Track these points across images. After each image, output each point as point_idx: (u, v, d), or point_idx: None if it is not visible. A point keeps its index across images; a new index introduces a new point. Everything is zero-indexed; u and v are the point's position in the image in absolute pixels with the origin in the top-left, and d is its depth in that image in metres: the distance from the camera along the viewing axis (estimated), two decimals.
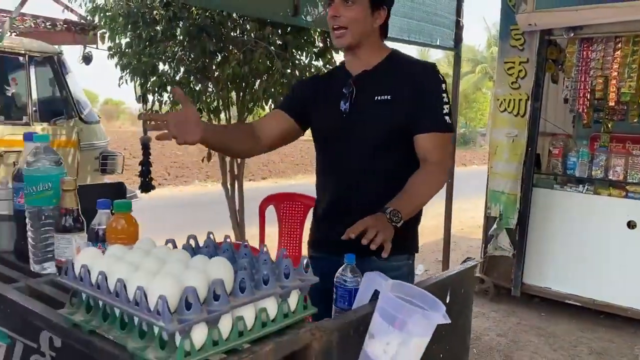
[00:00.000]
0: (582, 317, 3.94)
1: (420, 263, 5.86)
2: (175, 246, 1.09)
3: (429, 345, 1.26)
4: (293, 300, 0.97)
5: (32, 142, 1.26)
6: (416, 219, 1.63)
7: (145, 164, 4.77)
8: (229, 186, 4.02)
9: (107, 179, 5.66)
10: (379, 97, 1.59)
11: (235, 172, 4.01)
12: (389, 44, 1.77)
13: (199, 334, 0.82)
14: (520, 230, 4.18)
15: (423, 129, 1.56)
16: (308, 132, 1.83)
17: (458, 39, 4.67)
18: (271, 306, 0.93)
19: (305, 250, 2.18)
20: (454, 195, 4.77)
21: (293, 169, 14.59)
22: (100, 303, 0.93)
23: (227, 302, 0.85)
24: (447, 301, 1.40)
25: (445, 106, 1.59)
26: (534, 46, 4.09)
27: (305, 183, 11.59)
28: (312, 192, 3.58)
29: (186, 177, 12.85)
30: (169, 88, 3.81)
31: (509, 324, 3.92)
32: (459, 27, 4.62)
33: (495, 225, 4.39)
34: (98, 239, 1.15)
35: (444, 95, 1.60)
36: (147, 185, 4.78)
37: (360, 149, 1.60)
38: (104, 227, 1.15)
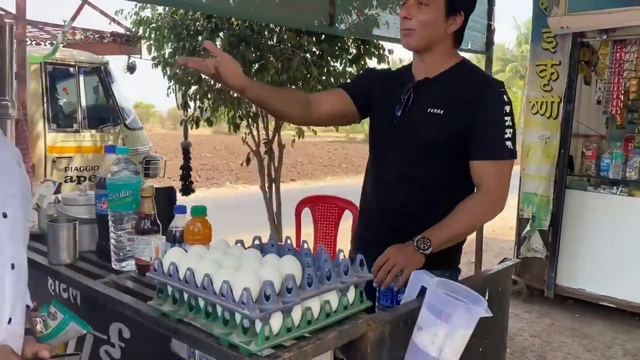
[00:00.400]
0: (617, 318, 3.96)
1: None
2: (244, 246, 1.23)
3: (469, 340, 1.38)
4: (351, 294, 1.11)
5: (114, 154, 1.43)
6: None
7: (186, 168, 5.01)
8: (266, 189, 4.18)
9: (150, 182, 5.92)
10: (432, 110, 1.55)
11: (273, 176, 4.17)
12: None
13: (276, 322, 0.96)
14: (553, 232, 4.22)
15: (478, 155, 1.50)
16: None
17: (489, 42, 4.72)
18: (333, 299, 1.06)
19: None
20: None
21: (322, 171, 14.73)
22: (186, 296, 1.07)
23: (298, 295, 0.99)
24: (486, 298, 1.52)
25: (507, 130, 1.49)
26: (567, 48, 4.13)
27: (334, 185, 11.73)
28: (342, 193, 3.73)
29: (217, 179, 13.11)
30: (209, 95, 4.00)
31: (542, 324, 3.96)
32: (490, 30, 4.68)
33: (528, 227, 4.43)
34: (175, 240, 1.31)
35: (507, 118, 1.50)
36: (187, 188, 5.02)
37: (404, 156, 1.59)
38: (181, 229, 1.31)
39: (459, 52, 1.67)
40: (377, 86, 1.69)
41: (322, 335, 1.03)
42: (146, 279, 1.35)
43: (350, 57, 4.09)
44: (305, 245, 1.21)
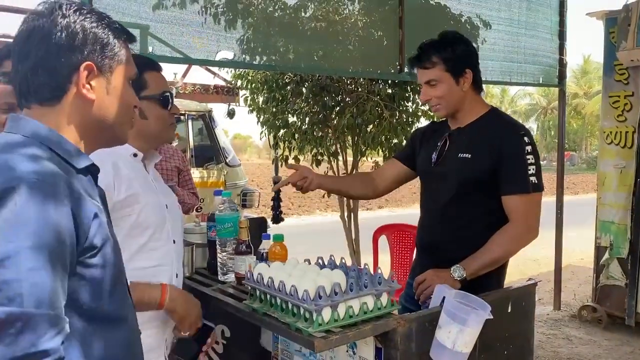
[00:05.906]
0: None
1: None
2: (310, 263, 1.70)
3: (494, 343, 1.72)
4: (384, 299, 1.52)
5: (221, 197, 1.97)
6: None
7: (276, 200, 5.63)
8: (346, 218, 4.64)
9: (246, 212, 6.65)
10: (462, 155, 1.83)
11: (352, 206, 4.63)
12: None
13: (326, 314, 1.40)
14: (632, 260, 4.23)
15: (505, 191, 1.78)
16: None
17: (562, 76, 4.90)
18: (370, 301, 1.48)
19: None
20: (576, 223, 4.82)
21: (410, 197, 14.87)
22: (268, 296, 1.55)
23: (342, 296, 1.42)
24: (509, 310, 1.83)
25: (531, 167, 1.75)
26: (639, 80, 4.21)
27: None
28: None
29: (308, 207, 13.83)
30: (296, 136, 4.58)
31: (620, 352, 3.97)
32: (562, 64, 4.85)
33: (606, 255, 4.47)
34: (262, 258, 1.80)
35: (529, 157, 1.76)
36: (277, 218, 5.64)
37: (441, 195, 1.88)
38: (267, 250, 1.80)
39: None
40: (420, 141, 2.05)
41: (362, 326, 1.45)
42: (242, 286, 1.85)
43: None
44: (366, 267, 1.62)
